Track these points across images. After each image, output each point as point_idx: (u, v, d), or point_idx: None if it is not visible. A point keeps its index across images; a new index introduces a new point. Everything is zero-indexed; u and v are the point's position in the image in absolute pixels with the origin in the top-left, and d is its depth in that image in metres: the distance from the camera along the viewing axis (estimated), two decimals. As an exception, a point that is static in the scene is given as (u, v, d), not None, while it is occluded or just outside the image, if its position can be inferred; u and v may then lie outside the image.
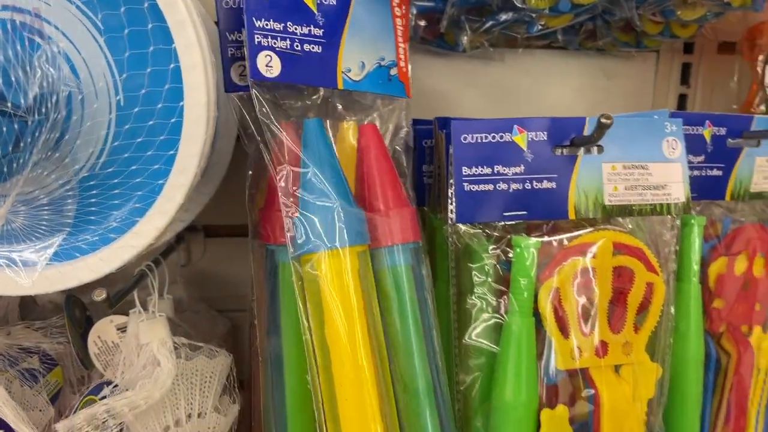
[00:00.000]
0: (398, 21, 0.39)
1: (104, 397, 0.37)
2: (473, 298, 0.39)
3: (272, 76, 0.34)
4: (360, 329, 0.34)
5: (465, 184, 0.37)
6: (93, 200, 0.32)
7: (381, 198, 0.37)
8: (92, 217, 0.33)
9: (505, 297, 0.38)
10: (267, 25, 0.33)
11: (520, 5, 0.49)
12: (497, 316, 0.39)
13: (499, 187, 0.38)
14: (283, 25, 0.34)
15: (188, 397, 0.40)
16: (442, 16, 0.53)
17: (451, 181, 0.38)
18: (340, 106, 0.39)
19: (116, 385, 0.38)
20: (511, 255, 0.38)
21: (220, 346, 0.43)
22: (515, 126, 0.38)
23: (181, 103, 0.31)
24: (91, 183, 0.32)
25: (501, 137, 0.38)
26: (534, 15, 0.51)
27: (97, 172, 0.32)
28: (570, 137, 0.39)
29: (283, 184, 0.34)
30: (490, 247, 0.39)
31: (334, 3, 0.36)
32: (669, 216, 0.41)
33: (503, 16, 0.52)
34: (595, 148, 0.39)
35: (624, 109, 0.64)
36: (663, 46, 0.63)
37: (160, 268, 0.43)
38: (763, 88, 0.57)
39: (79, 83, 0.31)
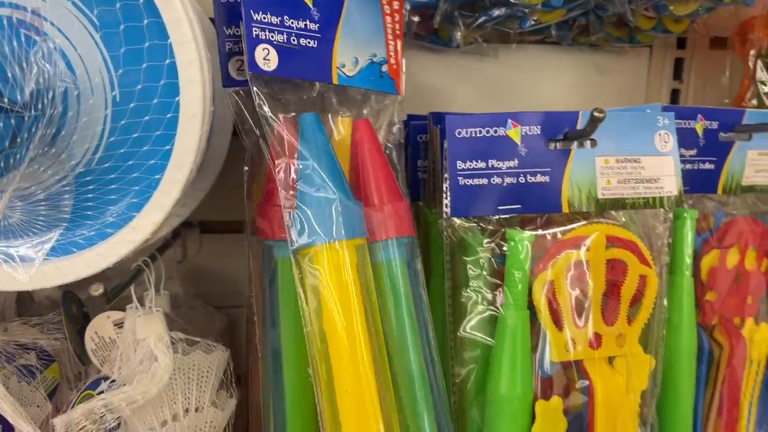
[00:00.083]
0: (388, 18, 0.39)
1: (102, 392, 0.37)
2: (468, 291, 0.39)
3: (270, 70, 0.34)
4: (359, 322, 0.34)
5: (460, 178, 0.38)
6: (90, 195, 0.32)
7: (375, 192, 0.37)
8: (89, 213, 0.33)
9: (500, 290, 0.39)
10: (264, 18, 0.34)
11: (512, 0, 0.49)
12: (492, 308, 0.39)
13: (493, 181, 0.38)
14: (280, 18, 0.34)
15: (185, 392, 0.40)
16: (436, 12, 0.53)
17: (446, 175, 0.38)
18: (334, 101, 0.39)
19: (113, 381, 0.38)
20: (505, 248, 0.38)
21: (217, 342, 0.43)
22: (509, 120, 0.38)
23: (177, 99, 0.31)
24: (88, 178, 0.32)
25: (495, 132, 0.38)
26: (526, 10, 0.51)
27: (94, 168, 0.32)
28: (563, 131, 0.39)
29: (281, 177, 0.35)
30: (485, 241, 0.39)
31: (329, -2, 0.36)
32: (662, 209, 0.41)
33: (496, 12, 0.52)
34: (588, 142, 0.39)
35: (617, 104, 0.64)
36: (656, 41, 0.63)
37: (156, 264, 0.44)
38: (754, 83, 0.58)
39: (75, 79, 0.31)
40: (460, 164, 0.38)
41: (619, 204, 0.40)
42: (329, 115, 0.39)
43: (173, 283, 0.55)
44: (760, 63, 0.57)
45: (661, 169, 0.41)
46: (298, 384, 0.38)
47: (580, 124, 0.39)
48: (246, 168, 0.41)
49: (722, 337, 0.47)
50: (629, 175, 0.40)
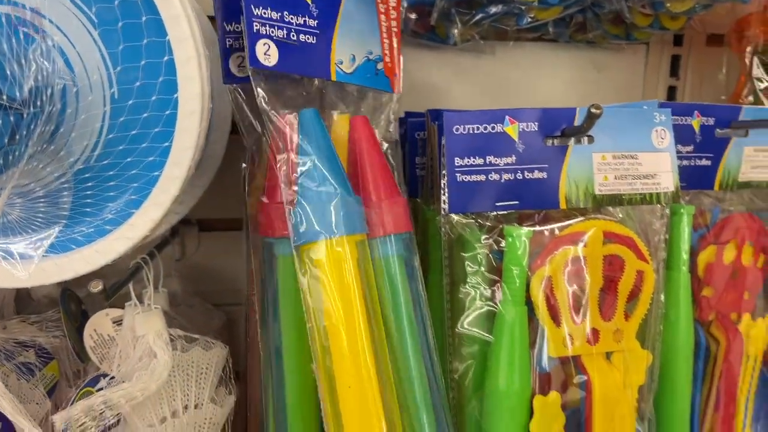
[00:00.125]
0: (382, 17, 0.39)
1: (101, 389, 0.37)
2: (466, 287, 0.39)
3: (270, 65, 0.34)
4: (360, 317, 0.34)
5: (458, 174, 0.38)
6: (88, 192, 0.32)
7: (373, 189, 0.37)
8: (88, 209, 0.33)
9: (498, 286, 0.39)
10: (265, 13, 0.34)
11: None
12: (490, 304, 0.39)
13: (491, 177, 0.38)
14: (279, 14, 0.34)
15: (185, 389, 0.40)
16: (433, 9, 0.53)
17: (444, 171, 0.38)
18: (332, 98, 0.39)
19: (113, 377, 0.38)
20: (503, 244, 0.39)
21: (216, 339, 0.43)
22: (507, 117, 0.38)
23: (176, 95, 0.32)
24: (87, 175, 0.32)
25: (493, 128, 0.38)
26: (523, 7, 0.51)
27: (93, 165, 0.32)
28: (561, 128, 0.39)
29: (283, 173, 0.35)
30: (483, 237, 0.39)
31: (327, -6, 0.36)
32: (658, 205, 0.42)
33: (493, 9, 0.52)
34: (586, 138, 0.40)
35: (614, 101, 0.63)
36: (652, 38, 0.64)
37: (155, 262, 0.44)
38: (751, 80, 0.58)
39: (74, 76, 0.31)
40: (457, 161, 0.38)
41: (616, 200, 0.40)
42: (329, 112, 0.39)
43: (172, 281, 0.55)
44: (756, 60, 0.58)
45: (658, 165, 0.41)
46: (299, 380, 0.38)
47: (578, 121, 0.39)
48: (244, 165, 0.41)
49: (719, 332, 0.47)
50: (626, 171, 0.40)
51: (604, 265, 0.40)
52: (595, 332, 0.40)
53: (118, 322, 0.41)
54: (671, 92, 0.67)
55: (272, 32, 0.34)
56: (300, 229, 0.34)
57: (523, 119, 0.39)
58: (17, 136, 0.28)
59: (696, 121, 0.45)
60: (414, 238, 0.39)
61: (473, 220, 0.39)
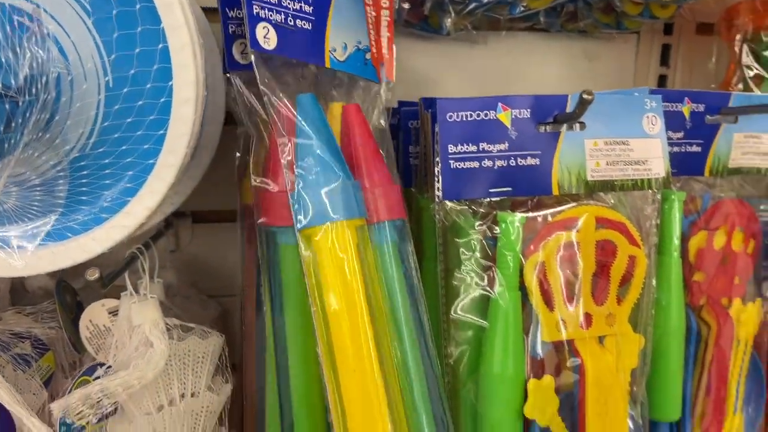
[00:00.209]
0: (368, 9, 0.40)
1: (98, 378, 0.37)
2: (460, 273, 0.40)
3: (270, 48, 0.34)
4: (362, 301, 0.34)
5: (451, 161, 0.38)
6: (84, 180, 0.32)
7: (366, 176, 0.37)
8: (84, 198, 0.33)
9: (492, 272, 0.39)
10: (263, -4, 0.34)
11: (502, -14, 0.50)
12: (484, 290, 0.39)
13: (484, 164, 0.39)
14: (277, -2, 0.35)
15: (181, 377, 0.41)
16: (426, -1, 0.53)
17: (438, 159, 0.38)
18: (326, 86, 0.39)
19: (110, 366, 0.39)
20: (497, 231, 0.39)
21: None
22: (499, 104, 0.39)
23: (170, 83, 0.32)
24: (82, 163, 0.32)
25: (486, 115, 0.39)
26: (516, -4, 0.52)
27: (88, 153, 0.32)
28: (553, 114, 0.40)
29: (284, 158, 0.35)
30: (477, 223, 0.39)
31: (322, -19, 0.37)
32: (650, 191, 0.42)
33: (486, -2, 0.52)
34: (578, 125, 0.40)
35: (605, 90, 0.64)
36: (643, 27, 0.64)
37: (150, 252, 0.44)
38: (740, 68, 0.59)
39: (68, 64, 0.31)
40: (451, 148, 0.38)
41: (608, 186, 0.41)
42: (323, 100, 0.39)
43: (167, 273, 0.55)
44: (746, 48, 0.58)
45: (649, 152, 0.41)
46: (305, 368, 0.38)
47: (569, 107, 0.40)
48: (238, 154, 0.41)
49: (710, 317, 0.47)
50: (618, 157, 0.41)
51: (597, 250, 0.40)
52: (588, 316, 0.40)
53: (113, 312, 0.41)
54: (662, 81, 0.67)
55: (271, 16, 0.34)
56: (300, 214, 0.34)
57: (515, 106, 0.39)
58: (13, 124, 0.28)
59: (686, 108, 0.46)
60: (407, 225, 0.39)
61: (467, 207, 0.39)
